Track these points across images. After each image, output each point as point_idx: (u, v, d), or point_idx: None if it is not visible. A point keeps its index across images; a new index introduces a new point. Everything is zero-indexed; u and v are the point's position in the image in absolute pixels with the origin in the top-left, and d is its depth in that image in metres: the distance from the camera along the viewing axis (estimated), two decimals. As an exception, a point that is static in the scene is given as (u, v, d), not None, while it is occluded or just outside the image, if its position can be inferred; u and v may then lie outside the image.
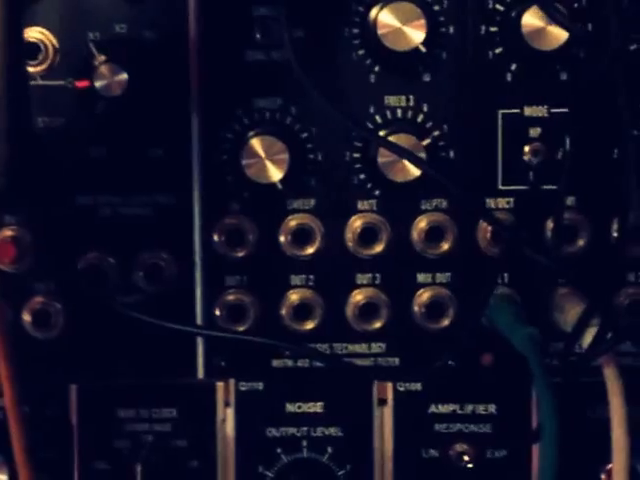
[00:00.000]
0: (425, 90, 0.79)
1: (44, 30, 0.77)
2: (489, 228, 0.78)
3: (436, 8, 0.77)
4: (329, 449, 0.83)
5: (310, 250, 0.80)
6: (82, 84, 0.76)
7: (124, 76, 0.75)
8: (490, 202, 0.79)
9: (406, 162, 0.76)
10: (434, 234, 0.79)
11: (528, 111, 0.79)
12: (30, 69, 0.76)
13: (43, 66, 0.78)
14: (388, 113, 0.79)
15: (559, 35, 0.75)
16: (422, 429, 0.82)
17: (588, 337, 0.73)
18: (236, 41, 0.78)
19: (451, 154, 0.79)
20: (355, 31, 0.78)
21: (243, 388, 0.82)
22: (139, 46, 0.77)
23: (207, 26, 0.78)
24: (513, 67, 0.78)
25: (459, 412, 0.82)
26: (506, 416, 0.82)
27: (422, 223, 0.79)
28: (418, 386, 0.82)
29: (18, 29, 0.69)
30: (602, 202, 0.79)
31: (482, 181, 0.79)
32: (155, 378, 0.82)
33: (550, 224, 0.79)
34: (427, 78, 0.79)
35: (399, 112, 0.79)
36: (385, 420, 0.82)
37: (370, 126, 0.78)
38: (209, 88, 0.79)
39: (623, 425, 0.70)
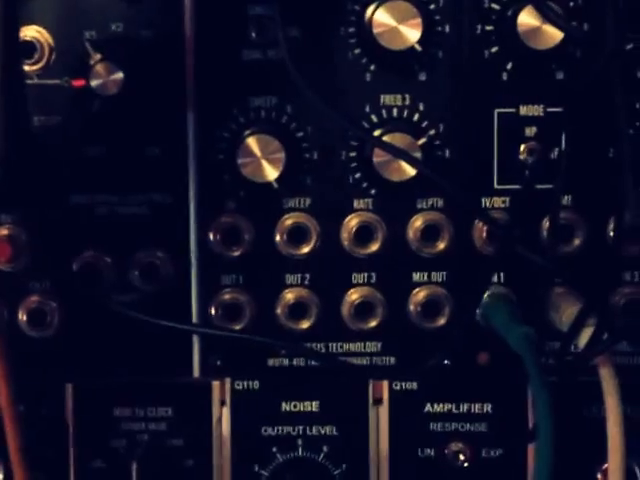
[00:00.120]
0: (421, 89, 0.79)
1: (40, 29, 0.77)
2: (485, 227, 0.78)
3: (432, 7, 0.77)
4: (325, 448, 0.83)
5: (306, 249, 0.80)
6: (78, 83, 0.76)
7: (120, 75, 0.75)
8: (486, 201, 0.79)
9: (402, 161, 0.76)
10: (430, 233, 0.79)
11: (524, 110, 0.79)
12: (26, 68, 0.76)
13: (39, 65, 0.78)
14: (384, 112, 0.79)
15: (555, 34, 0.75)
16: (418, 428, 0.82)
17: (584, 337, 0.73)
18: (232, 40, 0.78)
19: (447, 153, 0.79)
20: (351, 30, 0.78)
21: (239, 387, 0.82)
22: (135, 45, 0.77)
23: (203, 25, 0.78)
24: (509, 66, 0.78)
25: (455, 411, 0.82)
26: (502, 415, 0.82)
27: (418, 222, 0.79)
28: (414, 385, 0.82)
29: (14, 27, 0.69)
30: (598, 201, 0.79)
31: (478, 180, 0.79)
32: (151, 377, 0.82)
33: (546, 223, 0.79)
34: (423, 77, 0.79)
35: (395, 111, 0.79)
36: (381, 419, 0.82)
37: (366, 125, 0.78)
38: (205, 87, 0.79)
39: (619, 424, 0.70)
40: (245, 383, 0.82)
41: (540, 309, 0.79)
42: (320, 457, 0.83)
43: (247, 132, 0.77)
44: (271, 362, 0.81)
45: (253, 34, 0.78)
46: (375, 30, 0.75)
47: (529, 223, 0.79)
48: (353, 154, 0.79)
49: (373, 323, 0.80)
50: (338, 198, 0.80)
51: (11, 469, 0.71)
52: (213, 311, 0.80)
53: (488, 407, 0.82)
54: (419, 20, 0.75)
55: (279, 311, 0.80)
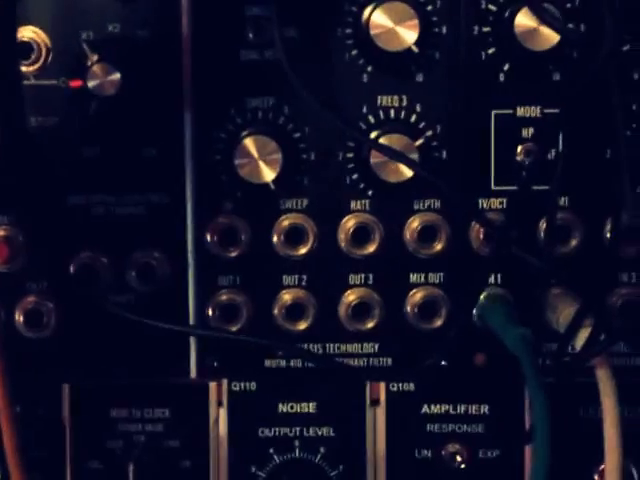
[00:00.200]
0: (418, 90, 0.79)
1: (37, 29, 0.77)
2: (482, 228, 0.78)
3: (429, 8, 0.77)
4: (322, 449, 0.82)
5: (303, 250, 0.80)
6: (75, 83, 0.76)
7: (117, 76, 0.75)
8: (483, 202, 0.79)
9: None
10: (427, 234, 0.79)
11: (521, 111, 0.79)
12: (23, 68, 0.76)
13: (36, 65, 0.77)
14: (381, 113, 0.79)
15: (552, 36, 0.75)
16: (415, 429, 0.82)
17: (581, 338, 0.73)
18: (229, 41, 0.78)
19: (444, 154, 0.79)
20: (348, 31, 0.78)
21: (236, 388, 0.82)
22: (132, 45, 0.77)
23: (200, 25, 0.78)
24: (506, 67, 0.78)
25: (452, 412, 0.82)
26: (499, 416, 0.82)
27: (415, 223, 0.79)
28: (411, 386, 0.82)
29: (11, 28, 0.69)
30: (595, 202, 0.79)
31: (475, 181, 0.79)
32: (148, 378, 0.82)
33: (543, 224, 0.79)
34: (420, 78, 0.79)
35: (392, 112, 0.79)
36: (378, 420, 0.82)
37: (363, 126, 0.78)
38: (202, 87, 0.79)
39: (616, 425, 0.70)
40: (242, 384, 0.82)
41: (537, 310, 0.79)
42: (317, 458, 0.82)
43: (244, 133, 0.78)
44: (268, 363, 0.81)
45: (250, 35, 0.78)
46: (372, 31, 0.75)
47: (526, 224, 0.79)
48: (350, 155, 0.79)
49: (370, 324, 0.80)
50: (335, 199, 0.80)
51: (7, 470, 0.71)
52: (210, 312, 0.80)
53: (485, 408, 0.82)
54: (416, 21, 0.75)
55: (276, 312, 0.80)
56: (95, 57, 0.75)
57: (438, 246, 0.79)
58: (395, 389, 0.82)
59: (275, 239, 0.79)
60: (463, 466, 0.82)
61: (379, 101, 0.79)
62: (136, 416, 0.82)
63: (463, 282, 0.80)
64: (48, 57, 0.78)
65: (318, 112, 0.76)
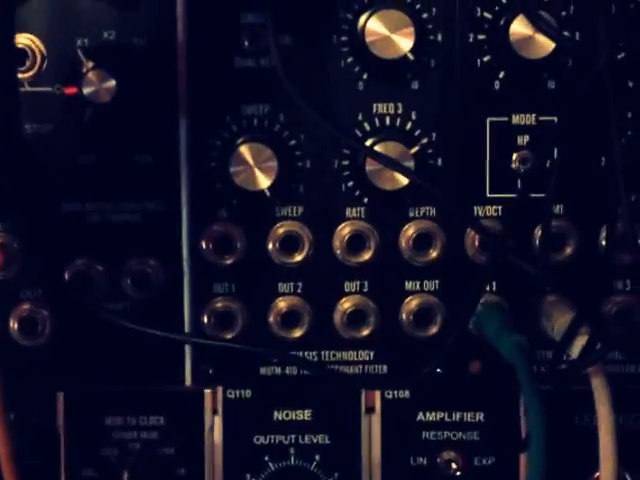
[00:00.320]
0: (413, 98, 0.79)
1: (32, 36, 0.77)
2: (477, 236, 0.78)
3: (424, 16, 0.77)
4: (317, 457, 0.82)
5: (298, 257, 0.80)
6: (70, 90, 0.76)
7: (112, 83, 0.75)
8: (478, 210, 0.79)
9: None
10: (422, 242, 0.79)
11: (516, 119, 0.79)
12: (18, 75, 0.76)
13: (31, 72, 0.77)
14: (376, 121, 0.79)
15: (547, 43, 0.75)
16: (410, 437, 0.82)
17: (577, 346, 0.73)
18: (224, 48, 0.78)
19: (439, 162, 0.79)
20: (343, 39, 0.78)
21: (231, 396, 0.82)
22: (127, 53, 0.77)
23: (195, 33, 0.78)
24: (501, 75, 0.78)
25: (447, 420, 0.82)
26: (494, 424, 0.82)
27: (410, 231, 0.79)
28: (406, 394, 0.82)
29: (9, 35, 0.69)
30: (590, 210, 0.79)
31: (470, 189, 0.79)
32: (143, 386, 0.81)
33: (538, 232, 0.79)
34: (415, 86, 0.79)
35: (387, 120, 0.79)
36: (373, 428, 0.82)
37: (359, 134, 0.78)
38: (197, 95, 0.79)
39: (611, 433, 0.70)
40: (237, 392, 0.82)
41: (532, 318, 0.79)
42: (312, 466, 0.82)
43: (239, 140, 0.77)
44: (263, 371, 0.81)
45: (246, 42, 0.78)
46: (368, 39, 0.75)
47: (521, 232, 0.79)
48: (346, 163, 0.79)
49: (365, 332, 0.80)
50: (330, 206, 0.80)
51: (2, 477, 0.71)
52: (205, 319, 0.80)
53: (480, 416, 0.82)
54: (412, 29, 0.75)
55: (271, 319, 0.80)
56: (90, 64, 0.75)
57: (433, 254, 0.79)
58: (390, 397, 0.82)
59: (270, 246, 0.79)
60: (458, 473, 0.82)
61: (374, 109, 0.79)
62: (131, 424, 0.82)
63: (458, 290, 0.80)
64: (43, 64, 0.78)
65: (313, 120, 0.76)
